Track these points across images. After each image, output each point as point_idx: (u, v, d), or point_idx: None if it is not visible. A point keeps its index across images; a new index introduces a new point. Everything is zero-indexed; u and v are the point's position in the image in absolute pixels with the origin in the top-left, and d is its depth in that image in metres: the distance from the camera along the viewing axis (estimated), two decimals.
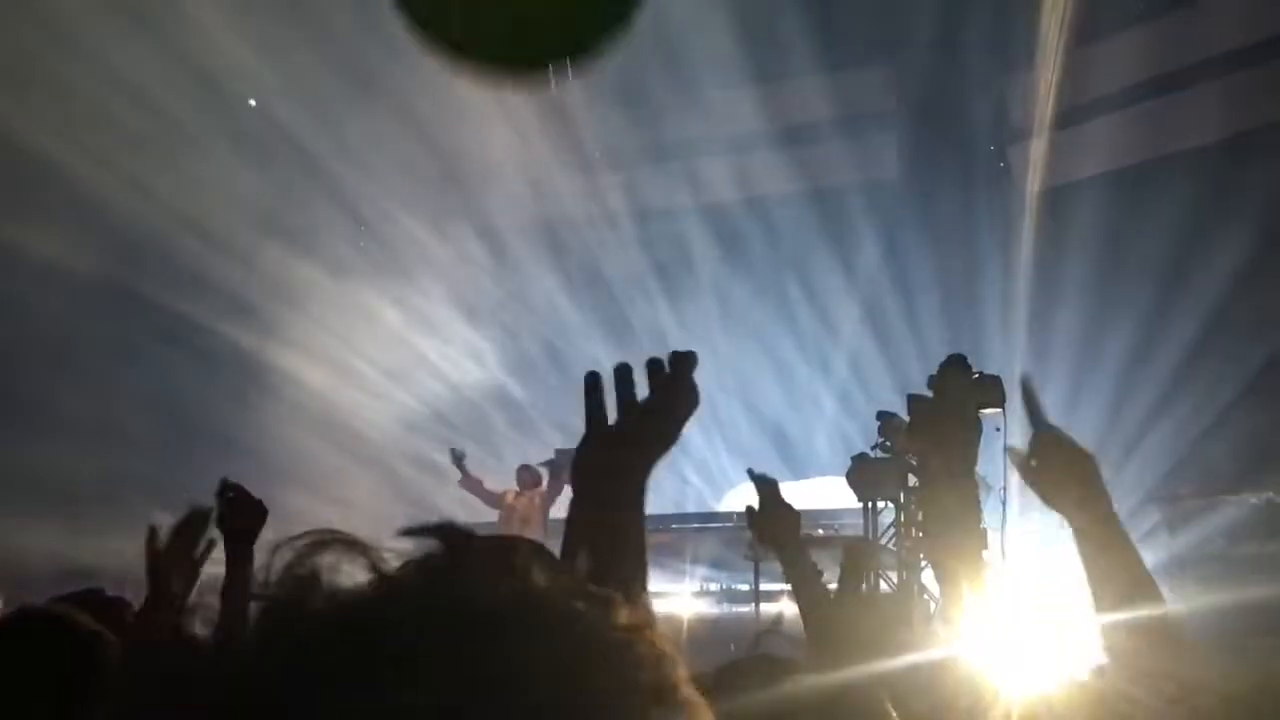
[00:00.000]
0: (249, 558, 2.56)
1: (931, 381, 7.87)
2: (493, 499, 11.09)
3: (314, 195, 13.92)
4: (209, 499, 2.69)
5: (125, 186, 11.75)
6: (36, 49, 11.13)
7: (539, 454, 11.42)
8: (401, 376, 15.07)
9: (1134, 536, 1.88)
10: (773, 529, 2.22)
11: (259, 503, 2.72)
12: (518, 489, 11.00)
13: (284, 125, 12.84)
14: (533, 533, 10.17)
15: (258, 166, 13.09)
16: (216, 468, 3.03)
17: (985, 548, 7.59)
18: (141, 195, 11.94)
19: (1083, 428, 12.45)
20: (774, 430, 15.61)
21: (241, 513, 2.67)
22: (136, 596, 2.68)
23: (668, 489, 15.35)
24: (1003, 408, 7.82)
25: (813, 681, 1.64)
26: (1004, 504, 7.89)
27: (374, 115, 13.71)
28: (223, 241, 13.08)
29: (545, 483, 10.81)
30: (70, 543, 9.94)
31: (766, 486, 2.44)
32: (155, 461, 11.72)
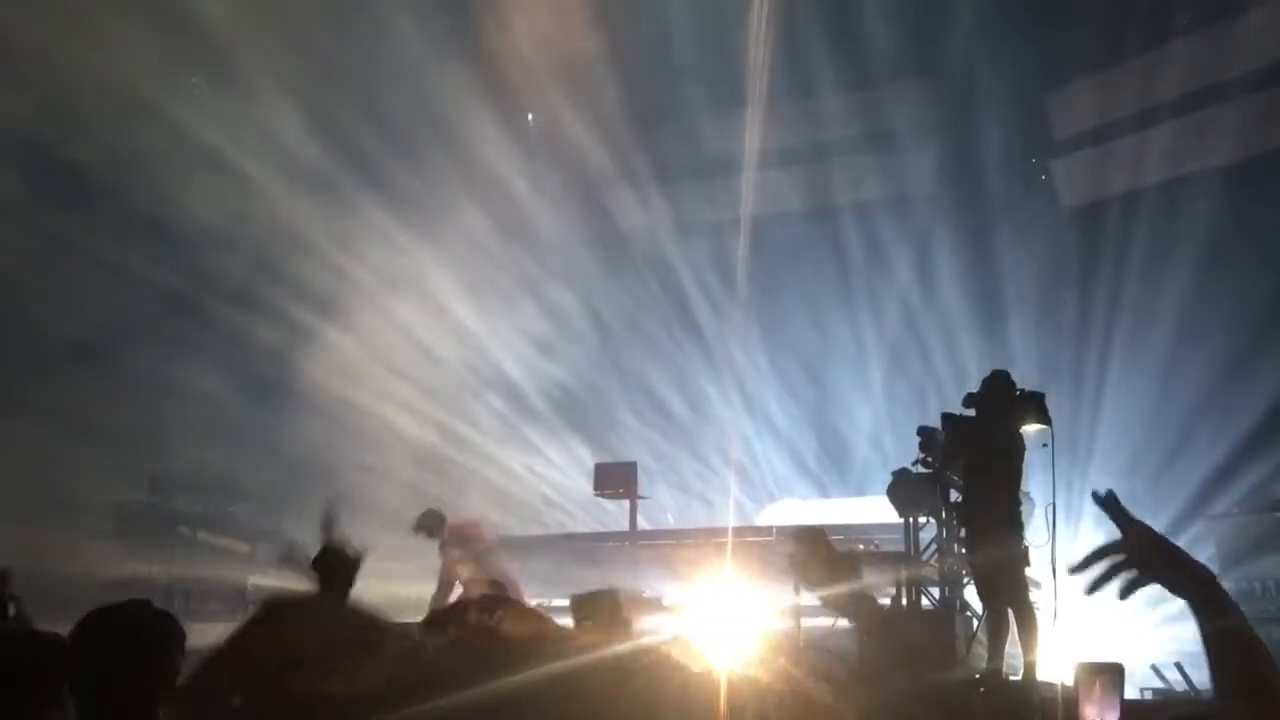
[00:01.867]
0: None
1: (970, 399, 7.79)
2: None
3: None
4: None
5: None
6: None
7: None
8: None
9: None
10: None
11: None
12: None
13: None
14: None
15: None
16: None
17: (1027, 564, 7.53)
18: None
19: (1128, 439, 12.42)
20: (816, 445, 15.58)
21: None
22: None
23: (706, 502, 15.41)
24: (1049, 424, 7.83)
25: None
26: (1053, 520, 7.82)
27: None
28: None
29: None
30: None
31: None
32: None
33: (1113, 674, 6.73)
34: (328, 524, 2.50)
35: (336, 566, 2.44)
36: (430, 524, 9.81)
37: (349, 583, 2.44)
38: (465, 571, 9.50)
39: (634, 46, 13.99)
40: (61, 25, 11.27)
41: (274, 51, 12.16)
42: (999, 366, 8.25)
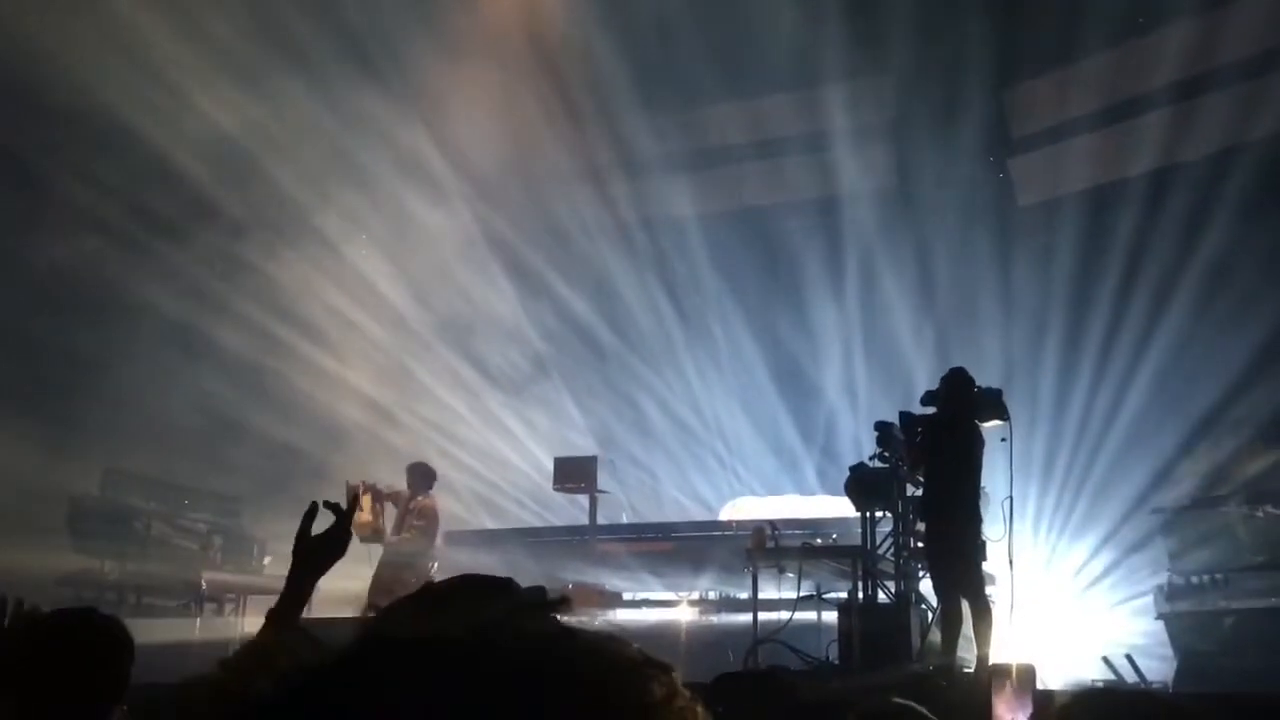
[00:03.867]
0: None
1: (928, 397, 7.92)
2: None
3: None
4: None
5: None
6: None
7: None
8: None
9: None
10: None
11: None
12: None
13: None
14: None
15: None
16: None
17: (984, 558, 7.65)
18: None
19: (1076, 432, 12.60)
20: (774, 443, 15.66)
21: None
22: None
23: (670, 499, 15.43)
24: (1007, 420, 7.96)
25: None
26: (1009, 514, 7.95)
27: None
28: None
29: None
30: None
31: None
32: None
33: (1024, 673, 6.88)
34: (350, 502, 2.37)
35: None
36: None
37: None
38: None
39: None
40: None
41: None
42: (957, 363, 8.37)
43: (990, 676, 6.89)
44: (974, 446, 7.70)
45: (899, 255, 14.50)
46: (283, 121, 13.33)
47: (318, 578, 2.25)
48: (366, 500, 9.57)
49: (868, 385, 14.47)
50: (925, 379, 8.40)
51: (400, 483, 10.28)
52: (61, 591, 10.17)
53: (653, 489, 15.51)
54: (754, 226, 15.85)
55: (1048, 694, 6.92)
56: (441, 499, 10.69)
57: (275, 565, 12.17)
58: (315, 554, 2.23)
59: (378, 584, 9.54)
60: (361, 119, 13.88)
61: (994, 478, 8.08)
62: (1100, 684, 8.36)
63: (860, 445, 10.65)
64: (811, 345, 15.36)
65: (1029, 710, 6.53)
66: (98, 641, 2.33)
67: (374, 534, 9.78)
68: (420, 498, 10.14)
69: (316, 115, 13.54)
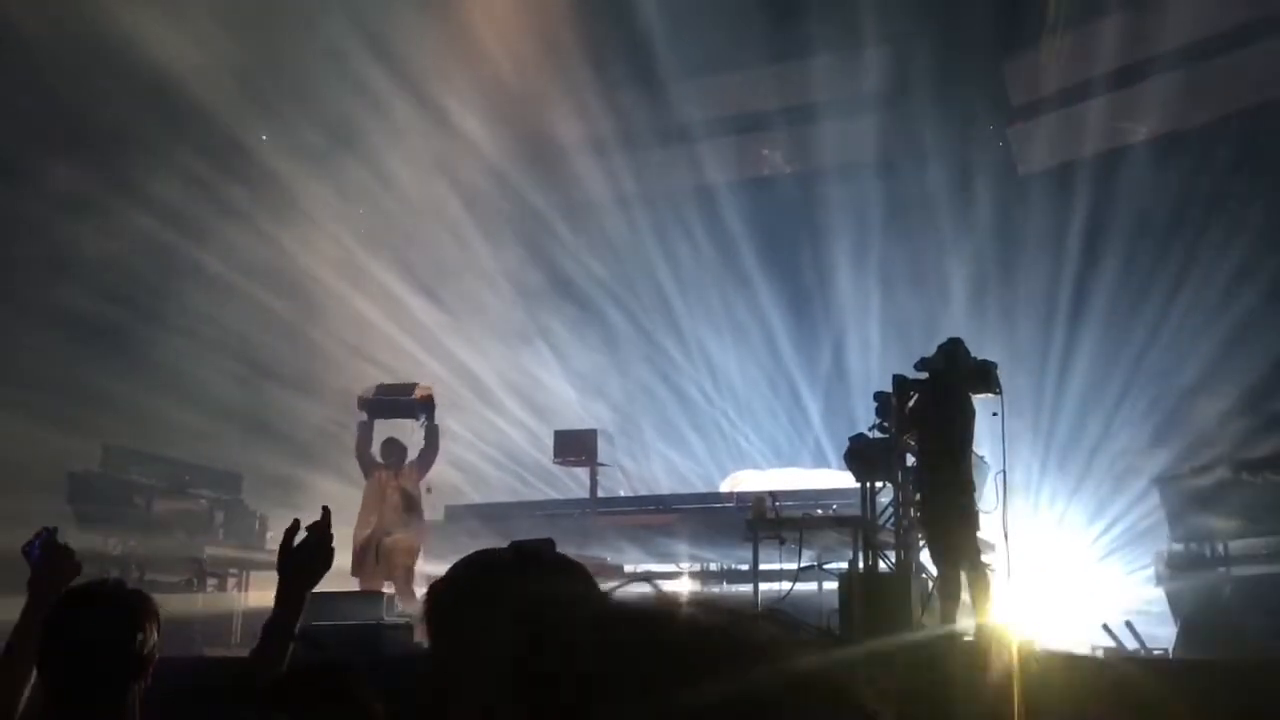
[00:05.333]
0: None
1: (922, 363, 7.89)
2: (367, 466, 10.41)
3: None
4: None
5: None
6: None
7: None
8: None
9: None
10: None
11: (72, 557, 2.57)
12: (383, 462, 10.35)
13: None
14: (391, 509, 9.99)
15: None
16: None
17: (979, 529, 7.67)
18: None
19: (1078, 402, 12.61)
20: (772, 416, 15.67)
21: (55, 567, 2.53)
22: None
23: (671, 470, 15.46)
24: (999, 392, 7.98)
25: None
26: (1004, 486, 7.98)
27: None
28: None
29: (412, 456, 10.37)
30: None
31: None
32: None
33: (1021, 641, 6.93)
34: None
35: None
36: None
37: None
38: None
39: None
40: None
41: None
42: (957, 330, 8.38)
43: (1002, 643, 6.90)
44: (962, 415, 7.72)
45: (895, 226, 14.45)
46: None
47: (310, 588, 2.34)
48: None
49: (868, 358, 14.42)
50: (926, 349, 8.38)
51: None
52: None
53: (658, 462, 15.54)
54: (753, 197, 15.74)
55: (1058, 655, 6.99)
56: (440, 472, 10.79)
57: (277, 540, 12.19)
58: (305, 567, 2.37)
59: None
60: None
61: (987, 450, 8.12)
62: (1101, 651, 8.42)
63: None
64: (813, 317, 15.35)
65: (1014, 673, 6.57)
66: (125, 614, 2.32)
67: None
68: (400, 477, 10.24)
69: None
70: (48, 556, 2.55)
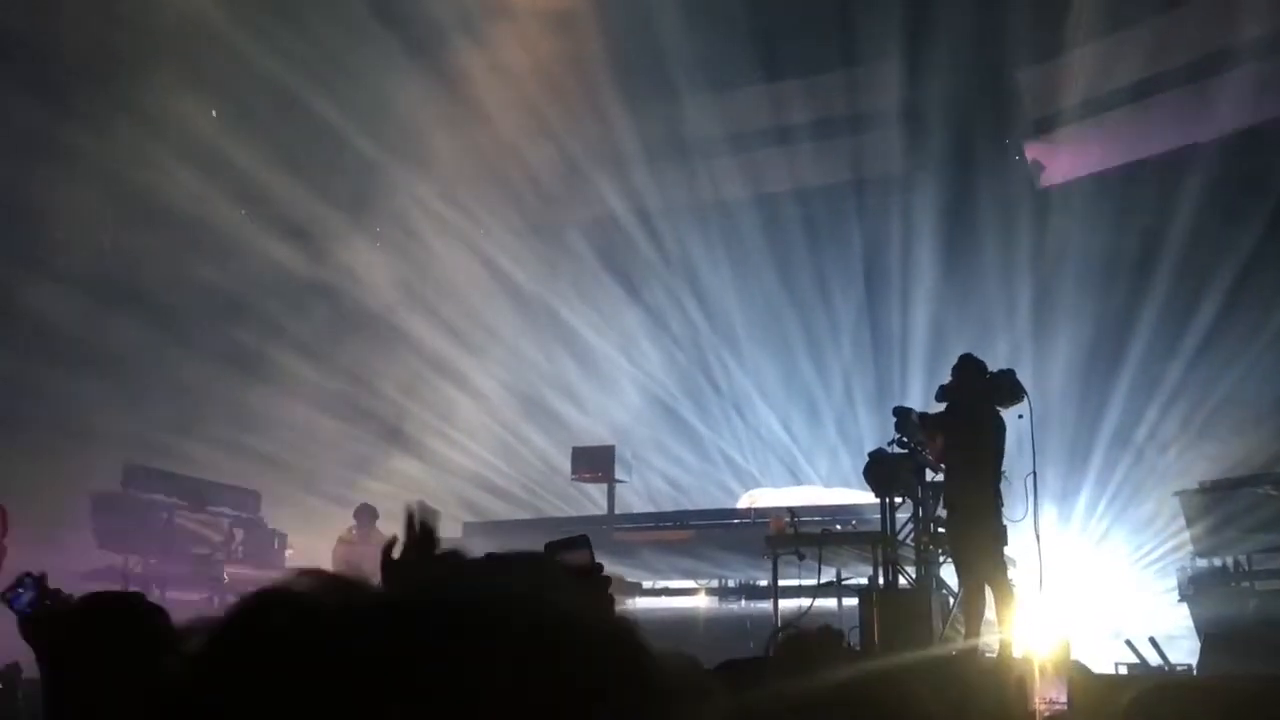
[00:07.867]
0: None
1: (943, 392, 7.80)
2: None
3: None
4: None
5: None
6: None
7: None
8: None
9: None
10: None
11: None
12: (355, 526, 10.86)
13: None
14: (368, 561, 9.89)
15: None
16: None
17: (1005, 543, 7.59)
18: None
19: (1098, 419, 12.49)
20: (791, 433, 15.64)
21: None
22: None
23: (688, 487, 15.42)
24: (1024, 398, 7.91)
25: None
26: (1034, 489, 7.89)
27: None
28: None
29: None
30: None
31: None
32: None
33: (1060, 653, 6.85)
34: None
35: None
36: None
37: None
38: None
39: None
40: None
41: None
42: (978, 346, 8.35)
43: (1026, 660, 6.84)
44: (994, 434, 7.67)
45: (914, 240, 14.39)
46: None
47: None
48: None
49: (891, 375, 14.35)
50: (948, 362, 8.33)
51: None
52: (86, 587, 10.21)
53: (675, 479, 15.51)
54: (768, 211, 15.71)
55: (1084, 671, 6.91)
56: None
57: (296, 559, 12.27)
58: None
59: None
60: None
61: (1016, 454, 8.03)
62: (1125, 668, 8.33)
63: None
64: (831, 334, 15.31)
65: (1064, 690, 6.50)
66: (144, 626, 2.29)
67: None
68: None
69: None
70: (40, 603, 2.41)
